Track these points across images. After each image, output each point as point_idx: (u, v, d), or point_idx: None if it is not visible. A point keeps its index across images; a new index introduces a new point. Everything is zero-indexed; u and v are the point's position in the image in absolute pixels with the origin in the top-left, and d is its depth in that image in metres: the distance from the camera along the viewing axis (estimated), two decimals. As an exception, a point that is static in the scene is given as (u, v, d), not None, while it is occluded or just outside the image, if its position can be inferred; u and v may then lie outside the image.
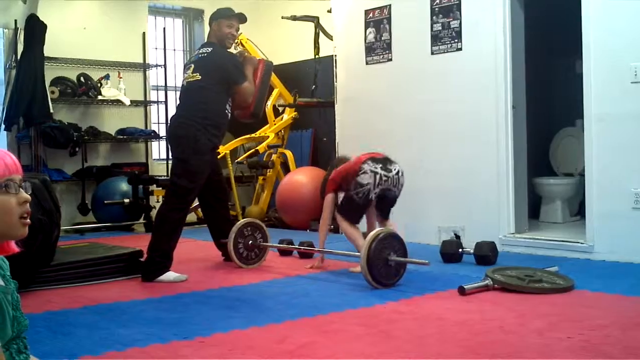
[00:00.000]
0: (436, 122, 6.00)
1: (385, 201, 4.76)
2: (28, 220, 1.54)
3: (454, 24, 5.83)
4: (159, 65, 8.39)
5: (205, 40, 5.18)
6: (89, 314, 3.62)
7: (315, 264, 4.95)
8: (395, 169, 4.70)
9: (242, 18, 5.04)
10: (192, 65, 4.88)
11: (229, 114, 4.95)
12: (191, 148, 4.69)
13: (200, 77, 4.79)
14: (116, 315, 3.56)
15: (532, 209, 6.29)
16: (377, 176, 4.60)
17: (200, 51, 4.96)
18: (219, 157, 6.04)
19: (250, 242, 5.04)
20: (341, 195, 4.84)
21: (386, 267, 4.14)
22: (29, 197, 1.54)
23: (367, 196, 4.61)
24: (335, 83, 6.97)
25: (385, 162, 4.70)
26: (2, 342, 1.45)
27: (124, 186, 7.49)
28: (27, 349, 1.58)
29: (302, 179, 7.24)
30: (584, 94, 5.03)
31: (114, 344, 2.97)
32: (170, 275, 4.51)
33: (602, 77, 4.95)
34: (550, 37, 6.88)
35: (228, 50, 5.02)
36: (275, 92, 7.95)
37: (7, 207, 1.49)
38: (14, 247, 1.61)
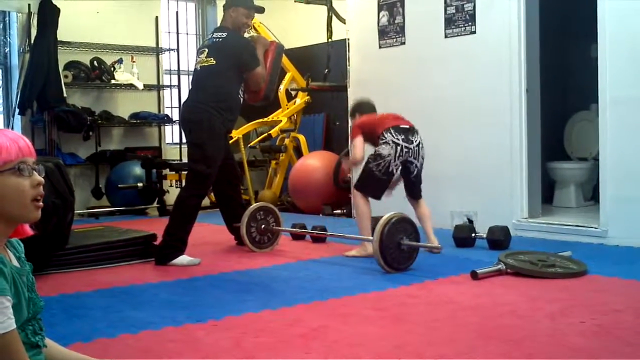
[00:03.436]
0: (449, 106, 5.97)
1: (409, 178, 4.75)
2: (41, 204, 1.54)
3: (468, 6, 5.78)
4: (172, 50, 8.39)
5: (219, 24, 5.17)
6: (103, 296, 3.65)
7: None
8: (416, 141, 4.68)
9: (260, 11, 5.08)
10: (206, 50, 4.87)
11: (242, 99, 4.95)
12: (206, 133, 4.69)
13: (214, 61, 4.78)
14: (130, 298, 3.59)
15: (546, 193, 6.26)
16: (398, 148, 4.59)
17: (214, 36, 4.95)
18: (231, 141, 6.05)
19: (263, 226, 5.05)
20: (359, 170, 4.82)
21: (399, 251, 4.14)
22: (42, 179, 1.55)
23: (388, 168, 4.60)
24: (348, 67, 6.94)
25: (408, 132, 4.67)
26: (18, 323, 1.46)
27: (138, 170, 7.52)
28: (42, 330, 1.60)
29: (314, 163, 7.24)
30: (598, 77, 4.98)
31: (128, 326, 3.00)
32: (183, 259, 4.53)
33: (617, 60, 4.90)
34: (565, 20, 6.81)
35: (242, 36, 5.02)
36: (287, 76, 7.93)
37: (20, 190, 1.50)
38: (29, 230, 1.62)
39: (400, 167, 4.66)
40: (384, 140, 4.61)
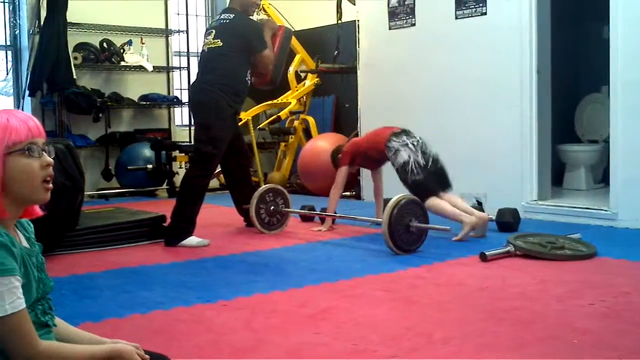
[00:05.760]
0: (460, 88, 5.94)
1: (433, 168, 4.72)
2: (50, 185, 1.54)
3: (479, -13, 5.73)
4: (181, 31, 8.37)
5: (227, 5, 5.15)
6: (113, 277, 3.67)
7: (323, 227, 5.05)
8: (415, 136, 4.78)
9: None
10: (213, 31, 4.85)
11: (249, 81, 4.94)
12: (214, 114, 4.70)
13: (221, 43, 4.77)
14: (140, 279, 3.61)
15: (556, 175, 6.24)
16: (409, 146, 4.66)
17: (222, 17, 4.93)
18: (240, 123, 6.04)
19: (272, 207, 5.06)
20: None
21: (408, 233, 4.14)
22: (51, 160, 1.54)
23: (419, 166, 4.60)
24: (357, 49, 6.91)
25: (403, 133, 4.78)
26: (28, 303, 1.47)
27: (147, 152, 7.54)
28: (52, 310, 1.60)
29: (324, 145, 7.22)
30: (610, 59, 4.95)
31: (138, 306, 3.02)
32: (193, 240, 4.55)
33: (629, 42, 4.86)
34: (577, 1, 6.75)
35: (250, 17, 5.00)
36: (297, 58, 7.90)
37: (30, 170, 1.49)
38: (38, 211, 1.62)
39: (424, 158, 4.64)
40: (393, 151, 4.69)
